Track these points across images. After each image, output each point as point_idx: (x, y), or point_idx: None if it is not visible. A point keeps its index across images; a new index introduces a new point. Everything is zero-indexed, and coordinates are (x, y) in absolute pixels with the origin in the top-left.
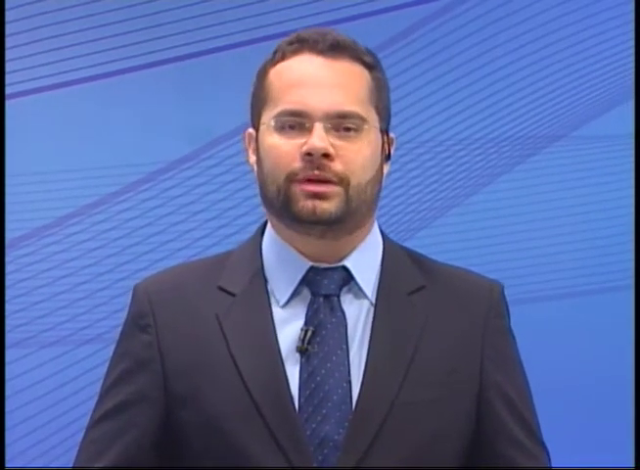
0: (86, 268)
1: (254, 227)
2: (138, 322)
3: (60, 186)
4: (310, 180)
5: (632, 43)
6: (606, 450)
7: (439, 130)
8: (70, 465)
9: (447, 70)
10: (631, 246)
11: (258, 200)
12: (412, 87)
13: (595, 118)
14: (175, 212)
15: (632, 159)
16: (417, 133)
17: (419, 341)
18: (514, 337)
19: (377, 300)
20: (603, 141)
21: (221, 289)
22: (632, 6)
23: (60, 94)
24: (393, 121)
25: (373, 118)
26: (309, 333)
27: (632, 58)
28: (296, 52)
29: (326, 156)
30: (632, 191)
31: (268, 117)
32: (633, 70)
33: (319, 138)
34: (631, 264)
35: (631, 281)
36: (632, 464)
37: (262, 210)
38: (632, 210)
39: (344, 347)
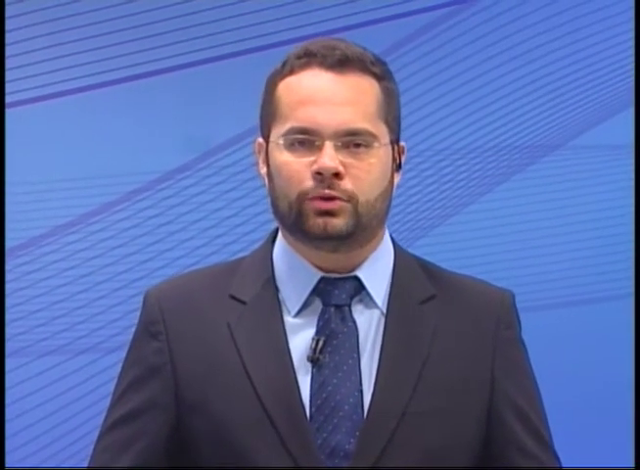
0: (84, 277)
1: (253, 236)
2: (149, 329)
3: (57, 195)
4: (321, 198)
5: (632, 51)
6: (606, 450)
7: (438, 139)
8: None
9: (445, 80)
10: (631, 254)
11: (256, 209)
12: (409, 97)
13: (592, 128)
14: (173, 222)
15: (632, 167)
16: (415, 142)
17: (430, 350)
18: (525, 346)
19: (388, 309)
20: (601, 150)
21: (232, 297)
22: (632, 14)
23: (56, 104)
24: None
25: (383, 133)
26: (321, 343)
27: (631, 66)
28: (304, 66)
29: (336, 175)
30: (632, 200)
31: (277, 135)
32: (633, 78)
33: (329, 157)
34: (631, 273)
35: (631, 290)
36: (632, 464)
37: (261, 218)
38: (632, 218)
39: (356, 356)
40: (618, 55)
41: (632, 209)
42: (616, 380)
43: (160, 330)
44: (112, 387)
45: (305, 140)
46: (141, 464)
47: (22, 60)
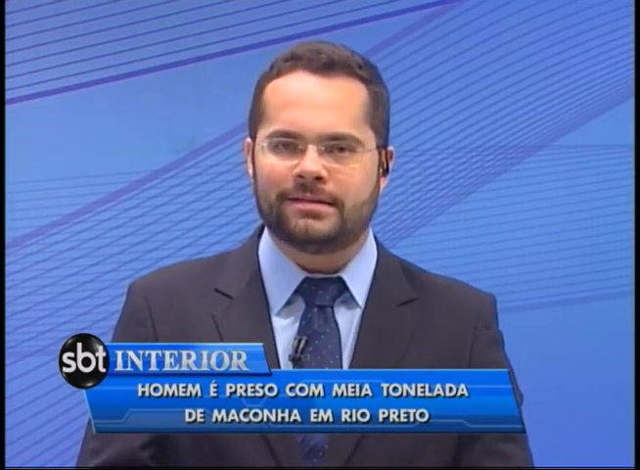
0: (69, 277)
1: (237, 236)
2: (134, 316)
3: (40, 195)
4: (303, 200)
5: (627, 56)
6: (606, 450)
7: (423, 139)
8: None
9: (430, 80)
10: (631, 252)
11: (241, 209)
12: (394, 97)
13: (580, 127)
14: (158, 221)
15: (632, 166)
16: (400, 142)
17: (406, 350)
18: (503, 347)
19: (365, 309)
20: (591, 149)
21: (217, 291)
22: (629, 11)
23: (40, 103)
24: None
25: (369, 138)
26: (302, 342)
27: (631, 67)
28: (290, 69)
29: (318, 178)
30: (632, 197)
31: (262, 137)
32: (632, 77)
33: (312, 161)
34: (631, 271)
35: (631, 288)
36: (632, 464)
37: (246, 218)
38: (632, 216)
39: (338, 357)
40: (611, 51)
41: (632, 206)
42: (616, 379)
43: (145, 317)
44: None
45: (289, 143)
46: (125, 454)
47: (5, 59)
